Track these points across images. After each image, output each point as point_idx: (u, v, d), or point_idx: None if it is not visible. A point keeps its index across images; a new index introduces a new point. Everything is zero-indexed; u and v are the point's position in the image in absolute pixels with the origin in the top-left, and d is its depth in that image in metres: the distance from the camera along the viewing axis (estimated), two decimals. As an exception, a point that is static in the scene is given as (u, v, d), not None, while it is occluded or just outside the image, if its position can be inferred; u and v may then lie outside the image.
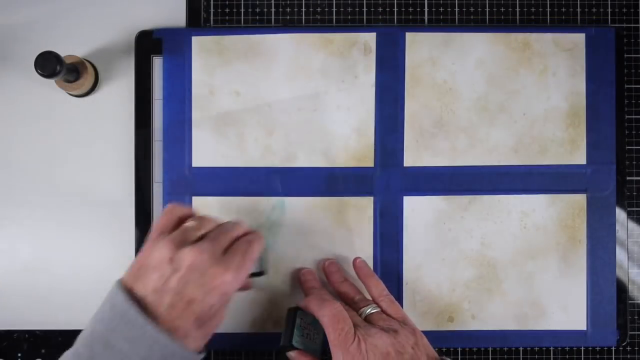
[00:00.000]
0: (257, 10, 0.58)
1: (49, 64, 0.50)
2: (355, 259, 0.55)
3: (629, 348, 0.58)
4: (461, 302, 0.57)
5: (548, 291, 0.57)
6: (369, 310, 0.51)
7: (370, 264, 0.56)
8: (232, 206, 0.56)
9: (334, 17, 0.58)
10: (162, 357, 0.41)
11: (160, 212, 0.56)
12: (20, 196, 0.57)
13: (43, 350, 0.57)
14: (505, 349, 0.58)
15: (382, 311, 0.51)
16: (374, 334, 0.47)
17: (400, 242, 0.57)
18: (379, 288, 0.53)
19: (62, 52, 0.53)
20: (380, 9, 0.58)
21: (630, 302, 0.57)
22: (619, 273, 0.57)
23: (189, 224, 0.46)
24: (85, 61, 0.56)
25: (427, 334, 0.57)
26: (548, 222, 0.57)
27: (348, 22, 0.58)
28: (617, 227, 0.57)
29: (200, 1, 0.58)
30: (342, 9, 0.58)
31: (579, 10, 0.58)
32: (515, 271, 0.57)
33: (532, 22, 0.58)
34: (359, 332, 0.47)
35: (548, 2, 0.58)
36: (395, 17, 0.58)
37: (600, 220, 0.57)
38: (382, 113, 0.57)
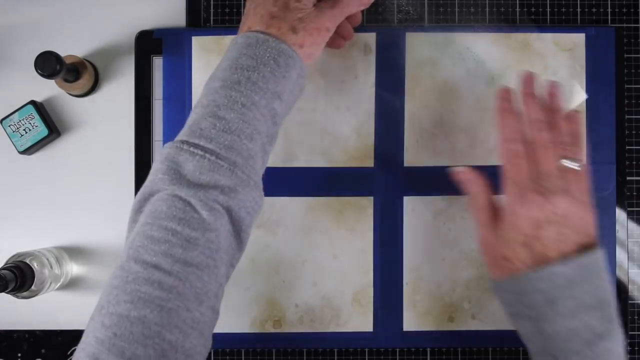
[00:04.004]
0: (257, 10, 0.58)
1: (49, 64, 0.50)
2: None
3: (629, 348, 0.58)
4: (461, 302, 0.57)
5: (548, 291, 0.57)
6: (571, 163, 0.47)
7: (370, 264, 0.56)
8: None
9: (334, 17, 0.58)
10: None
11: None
12: (20, 196, 0.57)
13: (43, 350, 0.57)
14: (505, 349, 0.58)
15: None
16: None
17: (400, 242, 0.57)
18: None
19: (62, 52, 0.53)
20: (380, 9, 0.58)
21: (630, 302, 0.57)
22: (619, 273, 0.57)
23: None
24: (85, 61, 0.56)
25: (427, 334, 0.57)
26: (548, 222, 0.57)
27: (348, 22, 0.58)
28: (617, 227, 0.57)
29: (200, 1, 0.58)
30: (342, 9, 0.58)
31: (579, 10, 0.58)
32: (515, 271, 0.57)
33: (532, 22, 0.58)
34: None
35: (548, 2, 0.58)
36: (395, 17, 0.58)
37: (600, 220, 0.57)
38: (382, 113, 0.57)
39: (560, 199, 0.45)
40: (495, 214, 0.48)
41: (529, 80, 0.50)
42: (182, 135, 0.43)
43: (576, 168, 0.46)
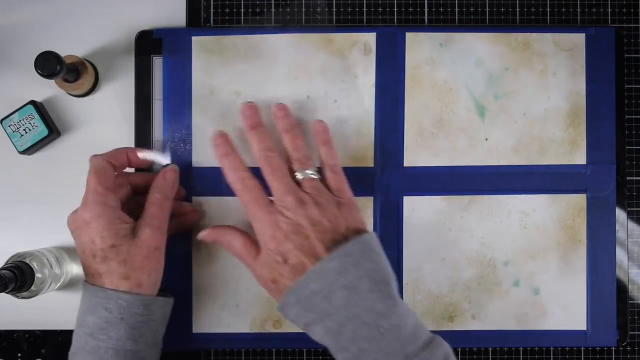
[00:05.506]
0: (257, 10, 0.58)
1: (49, 64, 0.50)
2: (316, 121, 0.54)
3: (629, 348, 0.58)
4: (461, 302, 0.57)
5: (548, 291, 0.57)
6: (303, 174, 0.50)
7: (370, 264, 0.56)
8: (232, 206, 0.56)
9: (334, 17, 0.58)
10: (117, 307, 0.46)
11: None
12: (20, 196, 0.57)
13: (43, 350, 0.57)
14: (505, 349, 0.58)
15: (323, 180, 0.51)
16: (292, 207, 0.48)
17: (400, 242, 0.57)
18: (329, 155, 0.52)
19: (62, 52, 0.53)
20: (380, 9, 0.58)
21: (630, 302, 0.57)
22: (619, 273, 0.57)
23: None
24: (85, 61, 0.56)
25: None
26: (548, 222, 0.57)
27: (348, 22, 0.58)
28: (617, 227, 0.57)
29: (200, 1, 0.58)
30: (342, 9, 0.58)
31: (579, 10, 0.58)
32: (515, 271, 0.57)
33: (532, 22, 0.58)
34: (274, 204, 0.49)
35: (548, 2, 0.58)
36: (395, 17, 0.58)
37: (600, 220, 0.57)
38: (382, 113, 0.57)
39: (297, 210, 0.47)
40: (252, 247, 0.49)
41: (249, 110, 0.53)
42: None
43: (312, 176, 0.50)
